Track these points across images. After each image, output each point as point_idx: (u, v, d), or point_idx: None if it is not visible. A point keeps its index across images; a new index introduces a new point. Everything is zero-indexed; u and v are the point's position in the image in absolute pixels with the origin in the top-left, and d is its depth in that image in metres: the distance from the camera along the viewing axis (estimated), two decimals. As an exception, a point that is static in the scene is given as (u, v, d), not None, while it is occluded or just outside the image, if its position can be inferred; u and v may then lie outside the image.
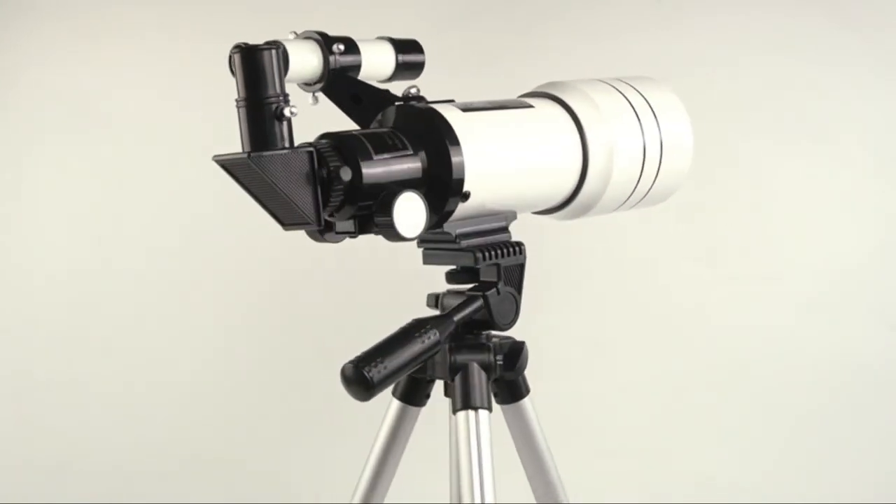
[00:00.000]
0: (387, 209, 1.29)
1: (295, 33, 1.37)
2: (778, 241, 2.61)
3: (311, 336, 2.68)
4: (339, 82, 1.39)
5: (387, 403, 1.56)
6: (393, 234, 1.30)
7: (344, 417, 2.67)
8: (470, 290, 1.44)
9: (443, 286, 1.48)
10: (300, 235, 2.67)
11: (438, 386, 1.51)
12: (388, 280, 2.63)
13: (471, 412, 1.42)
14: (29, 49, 2.67)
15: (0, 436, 2.69)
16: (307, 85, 1.40)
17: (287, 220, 1.33)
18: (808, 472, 2.61)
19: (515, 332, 1.50)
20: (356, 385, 1.31)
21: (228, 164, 1.29)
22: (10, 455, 2.68)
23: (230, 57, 1.29)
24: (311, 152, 1.28)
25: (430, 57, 1.45)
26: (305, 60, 1.37)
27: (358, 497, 1.52)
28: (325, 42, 1.38)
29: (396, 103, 1.39)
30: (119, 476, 2.68)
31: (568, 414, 2.60)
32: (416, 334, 1.33)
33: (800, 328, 2.59)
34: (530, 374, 1.69)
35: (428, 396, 1.53)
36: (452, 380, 1.43)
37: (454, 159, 1.35)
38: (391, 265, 2.62)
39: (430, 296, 1.49)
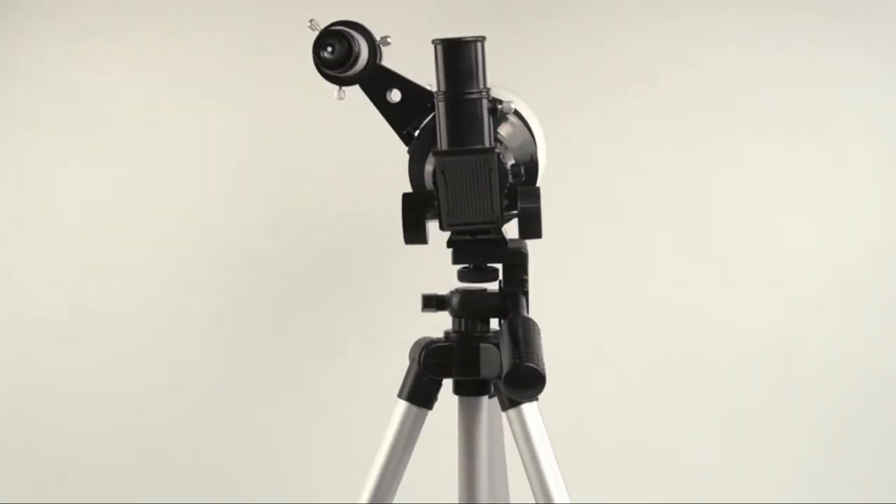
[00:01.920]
0: (538, 204, 1.30)
1: (315, 22, 1.36)
2: (778, 240, 2.60)
3: (312, 336, 2.68)
4: (382, 76, 1.37)
5: (391, 405, 1.55)
6: (538, 232, 1.31)
7: (345, 417, 2.67)
8: (506, 287, 1.44)
9: (425, 288, 1.47)
10: (305, 235, 2.66)
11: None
12: (389, 281, 2.62)
13: (525, 406, 1.46)
14: (28, 48, 2.66)
15: (0, 436, 2.69)
16: (344, 78, 1.37)
17: (462, 218, 1.30)
18: (808, 471, 2.60)
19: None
20: (538, 381, 1.25)
21: (454, 159, 1.25)
22: (10, 455, 2.68)
23: (324, 46, 1.29)
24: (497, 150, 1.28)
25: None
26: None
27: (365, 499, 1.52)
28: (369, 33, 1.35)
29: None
30: (119, 476, 2.68)
31: (566, 414, 2.60)
32: (533, 328, 1.32)
33: (801, 329, 2.59)
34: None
35: (436, 399, 1.53)
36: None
37: (537, 157, 1.38)
38: (393, 266, 2.62)
39: (427, 297, 1.48)
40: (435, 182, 1.28)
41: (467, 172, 1.25)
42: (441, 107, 1.24)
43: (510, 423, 1.47)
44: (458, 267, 1.45)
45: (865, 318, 2.58)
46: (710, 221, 2.60)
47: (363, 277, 2.66)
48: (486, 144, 1.24)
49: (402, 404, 1.50)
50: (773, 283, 2.60)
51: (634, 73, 2.58)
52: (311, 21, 1.36)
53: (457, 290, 1.47)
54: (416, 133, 1.36)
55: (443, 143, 1.24)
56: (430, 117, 1.37)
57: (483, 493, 1.47)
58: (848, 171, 2.58)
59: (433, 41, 1.25)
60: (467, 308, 1.45)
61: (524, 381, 1.23)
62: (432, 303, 1.47)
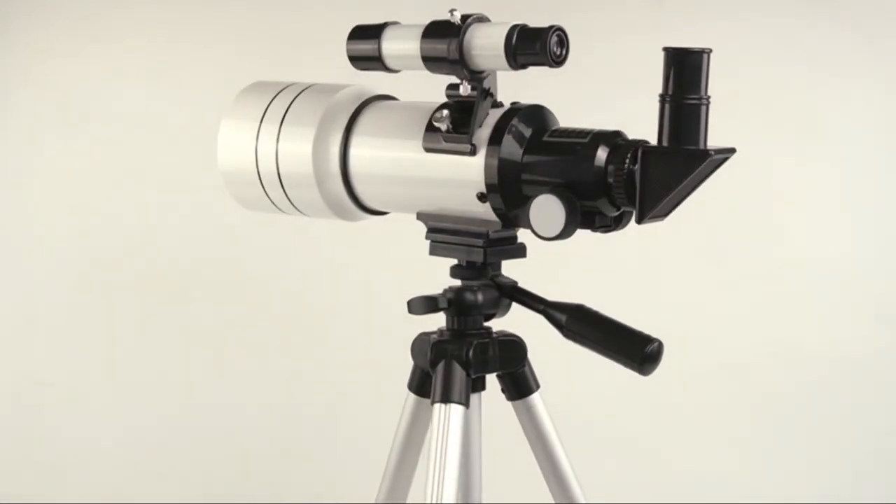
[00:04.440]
0: None
1: (456, 12, 1.37)
2: (777, 240, 2.61)
3: (312, 335, 2.68)
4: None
5: (385, 405, 1.55)
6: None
7: (345, 417, 2.67)
8: (505, 280, 1.48)
9: (413, 292, 1.46)
10: (300, 235, 2.66)
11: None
12: (386, 281, 2.63)
13: (535, 396, 1.53)
14: (28, 48, 2.67)
15: (0, 436, 2.69)
16: (477, 72, 1.39)
17: (658, 212, 1.37)
18: (808, 471, 2.61)
19: (522, 330, 1.53)
20: (662, 351, 1.36)
21: (718, 158, 1.34)
22: (10, 455, 2.68)
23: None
24: None
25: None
26: None
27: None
28: None
29: (505, 105, 1.43)
30: (119, 476, 2.68)
31: (567, 413, 2.60)
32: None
33: (800, 328, 2.59)
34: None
35: None
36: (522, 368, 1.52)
37: None
38: (393, 267, 2.62)
39: (429, 298, 1.47)
40: (629, 175, 1.34)
41: (707, 171, 1.36)
42: (668, 109, 1.31)
43: (517, 414, 1.50)
44: (452, 264, 1.46)
45: (864, 318, 2.58)
46: (710, 221, 2.60)
47: (364, 277, 2.67)
48: (703, 146, 1.32)
49: (412, 398, 1.50)
50: (773, 283, 2.60)
51: (634, 73, 2.58)
52: (452, 11, 1.37)
53: (475, 288, 1.46)
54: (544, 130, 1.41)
55: (664, 141, 1.33)
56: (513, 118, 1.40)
57: (477, 491, 1.47)
58: (848, 171, 2.59)
59: (664, 48, 1.32)
60: (486, 305, 1.46)
61: (656, 357, 1.35)
62: (439, 304, 1.45)
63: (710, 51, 1.31)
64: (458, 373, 1.43)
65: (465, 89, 1.38)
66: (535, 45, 1.34)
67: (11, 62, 2.68)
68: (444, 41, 1.37)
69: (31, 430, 2.70)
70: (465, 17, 1.37)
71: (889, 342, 2.58)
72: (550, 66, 1.35)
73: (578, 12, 2.55)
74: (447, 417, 1.40)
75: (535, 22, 1.39)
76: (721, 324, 2.61)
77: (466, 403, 1.43)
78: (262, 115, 1.52)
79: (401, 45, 1.42)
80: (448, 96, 1.41)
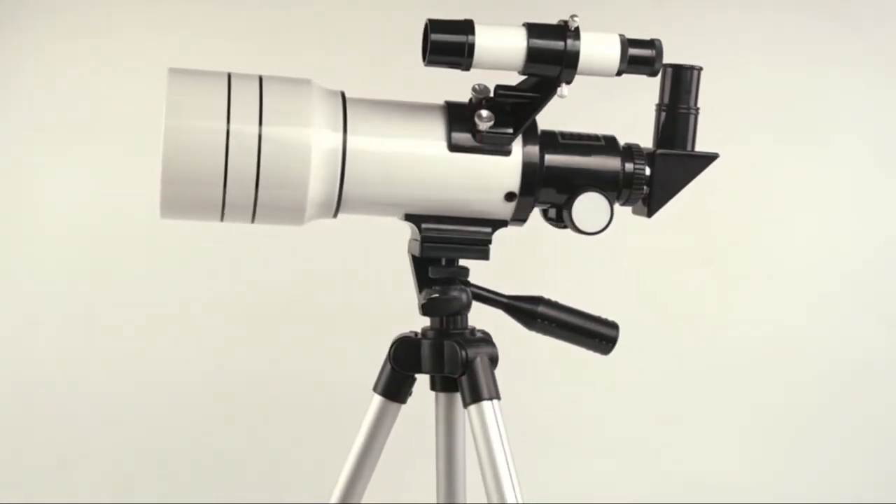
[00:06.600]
0: None
1: (577, 17, 1.44)
2: (778, 241, 2.60)
3: (310, 335, 2.68)
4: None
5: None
6: None
7: (345, 416, 2.67)
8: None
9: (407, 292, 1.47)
10: (300, 237, 2.67)
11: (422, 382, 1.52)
12: (380, 280, 2.63)
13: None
14: (27, 49, 2.68)
15: (0, 435, 2.70)
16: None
17: (657, 209, 1.49)
18: (809, 472, 2.60)
19: (520, 333, 1.55)
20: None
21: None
22: (10, 455, 2.69)
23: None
24: None
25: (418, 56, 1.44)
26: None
27: (337, 494, 1.53)
28: None
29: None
30: (119, 476, 2.68)
31: (567, 414, 2.60)
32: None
33: (800, 328, 2.59)
34: (531, 373, 1.68)
35: (410, 394, 1.53)
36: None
37: None
38: (386, 268, 2.62)
39: (448, 300, 1.47)
40: (649, 175, 1.46)
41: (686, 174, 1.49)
42: (663, 116, 1.47)
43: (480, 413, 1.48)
44: (433, 267, 1.46)
45: (866, 318, 2.57)
46: (711, 222, 2.60)
47: (358, 276, 2.67)
48: (690, 149, 1.46)
49: (377, 399, 1.51)
50: (774, 284, 2.59)
51: (634, 77, 2.58)
52: (573, 16, 1.45)
53: (460, 287, 1.47)
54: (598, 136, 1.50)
55: (661, 145, 1.45)
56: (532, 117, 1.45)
57: (462, 491, 1.47)
58: (849, 172, 2.58)
59: (664, 65, 1.44)
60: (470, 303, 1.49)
61: (618, 339, 1.47)
62: (460, 304, 1.46)
63: (701, 68, 1.45)
64: (491, 369, 1.45)
65: (562, 91, 1.43)
66: (649, 56, 1.43)
67: (11, 62, 2.68)
68: (559, 44, 1.41)
69: (31, 430, 2.70)
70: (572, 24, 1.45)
71: (891, 342, 2.57)
72: (652, 75, 1.45)
73: (578, 11, 2.55)
74: (494, 413, 1.42)
75: (533, 19, 1.41)
76: (721, 323, 2.60)
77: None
78: (225, 112, 1.43)
79: (502, 42, 1.41)
80: (499, 95, 1.42)
